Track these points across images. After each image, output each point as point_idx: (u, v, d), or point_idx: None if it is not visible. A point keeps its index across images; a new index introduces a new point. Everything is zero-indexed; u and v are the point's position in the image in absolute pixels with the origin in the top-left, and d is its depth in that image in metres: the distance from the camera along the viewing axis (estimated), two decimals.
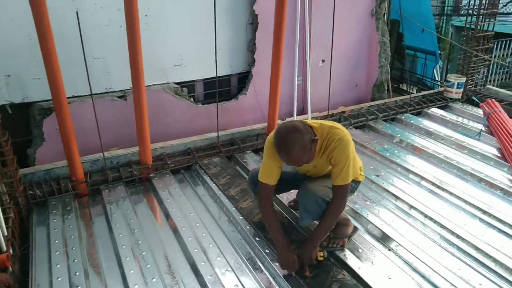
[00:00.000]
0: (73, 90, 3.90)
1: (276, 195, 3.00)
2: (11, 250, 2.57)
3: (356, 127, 4.67)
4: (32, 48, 3.62)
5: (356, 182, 2.68)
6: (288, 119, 2.43)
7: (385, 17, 5.82)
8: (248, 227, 2.90)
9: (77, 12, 2.88)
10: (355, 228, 2.80)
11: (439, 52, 7.45)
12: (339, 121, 4.69)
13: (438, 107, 5.23)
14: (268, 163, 2.46)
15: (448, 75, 5.56)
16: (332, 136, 2.31)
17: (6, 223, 2.66)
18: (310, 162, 2.37)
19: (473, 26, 5.29)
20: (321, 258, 2.49)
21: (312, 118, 4.44)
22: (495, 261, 2.63)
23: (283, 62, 3.90)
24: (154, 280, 2.42)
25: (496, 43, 9.39)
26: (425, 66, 7.47)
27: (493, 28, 5.43)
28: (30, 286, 2.41)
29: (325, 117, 4.61)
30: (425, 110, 5.12)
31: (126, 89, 4.23)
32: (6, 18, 3.53)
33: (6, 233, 2.61)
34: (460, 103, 5.40)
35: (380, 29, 5.65)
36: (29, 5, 2.71)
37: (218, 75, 3.85)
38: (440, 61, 7.52)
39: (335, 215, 2.44)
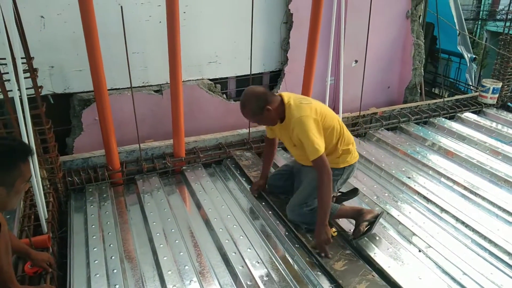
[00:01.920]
0: (112, 83, 4.04)
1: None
2: (50, 233, 2.69)
3: (387, 129, 4.64)
4: (75, 42, 3.79)
5: (340, 169, 2.76)
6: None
7: (421, 19, 5.75)
8: (277, 222, 2.94)
9: (121, 7, 2.99)
10: (376, 215, 2.77)
11: (474, 56, 7.28)
12: (370, 122, 4.68)
13: (472, 112, 5.14)
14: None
15: (484, 80, 5.44)
16: (290, 116, 2.62)
17: (46, 206, 2.78)
18: (267, 125, 2.87)
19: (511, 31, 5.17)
20: (335, 234, 2.65)
21: (343, 118, 4.44)
22: None
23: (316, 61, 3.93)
24: (186, 267, 2.49)
25: None
26: (459, 70, 7.32)
27: None
28: (69, 267, 2.52)
29: (356, 118, 4.60)
30: (458, 114, 5.04)
31: (162, 84, 4.34)
32: (53, 13, 3.70)
33: (47, 216, 2.74)
34: (495, 108, 5.29)
35: (415, 31, 5.59)
36: (77, 1, 2.83)
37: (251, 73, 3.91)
38: (474, 66, 7.36)
39: (324, 188, 2.55)
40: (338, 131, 2.73)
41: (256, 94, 2.65)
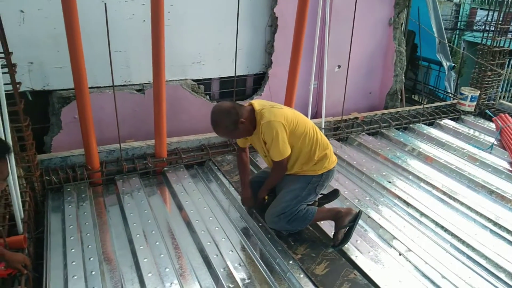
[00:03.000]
0: (93, 81, 3.96)
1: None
2: (26, 233, 2.61)
3: (369, 134, 4.69)
4: (56, 38, 3.70)
5: (319, 176, 2.76)
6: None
7: (403, 27, 5.85)
8: (260, 224, 2.93)
9: (105, 4, 2.94)
10: (357, 213, 2.79)
11: (453, 64, 7.45)
12: (352, 126, 4.73)
13: (451, 119, 5.25)
14: None
15: (462, 88, 5.57)
16: (261, 121, 2.62)
17: (22, 206, 2.71)
18: (242, 137, 2.84)
19: (489, 41, 5.30)
20: (266, 199, 2.92)
21: (325, 122, 4.47)
22: (505, 271, 2.65)
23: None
24: (167, 269, 2.45)
25: (508, 60, 9.38)
26: (439, 77, 7.48)
27: (510, 44, 5.45)
28: (45, 268, 2.44)
29: (338, 122, 4.64)
30: (437, 121, 5.14)
31: (145, 83, 4.29)
32: (34, 8, 3.60)
33: (22, 216, 2.66)
34: (473, 116, 5.42)
35: (397, 39, 5.68)
36: None
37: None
38: (453, 74, 7.52)
39: (272, 181, 2.86)
40: (312, 138, 2.72)
41: (226, 111, 2.59)
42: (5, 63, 2.59)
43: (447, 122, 5.13)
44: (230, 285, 2.35)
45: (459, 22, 14.25)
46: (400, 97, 6.11)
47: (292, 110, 2.80)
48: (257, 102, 2.73)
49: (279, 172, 2.78)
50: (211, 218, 2.99)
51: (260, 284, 2.39)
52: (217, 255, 2.60)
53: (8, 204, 2.70)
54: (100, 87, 4.08)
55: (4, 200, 2.77)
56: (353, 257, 2.64)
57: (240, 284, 2.36)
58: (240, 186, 3.08)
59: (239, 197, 3.25)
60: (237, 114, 2.58)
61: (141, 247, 2.63)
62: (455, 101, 5.73)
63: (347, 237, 2.73)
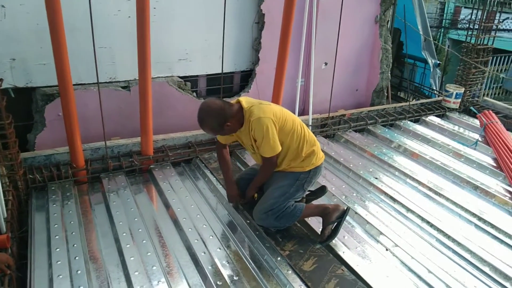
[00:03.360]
0: (77, 78, 3.90)
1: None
2: (9, 233, 2.56)
3: (355, 131, 4.72)
4: (39, 34, 3.64)
5: (306, 172, 2.76)
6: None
7: (389, 25, 5.89)
8: (248, 221, 2.92)
9: (89, 0, 2.89)
10: (345, 210, 2.80)
11: (438, 62, 7.54)
12: (338, 123, 4.74)
13: (436, 116, 5.31)
14: None
15: (447, 85, 5.63)
16: (250, 118, 2.60)
17: (5, 205, 2.65)
18: (228, 135, 2.78)
19: (473, 39, 5.37)
20: (255, 197, 2.91)
21: (312, 119, 4.48)
22: (489, 265, 2.69)
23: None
24: (154, 267, 2.43)
25: (491, 58, 9.54)
26: (424, 75, 7.56)
27: (493, 42, 5.52)
28: (29, 268, 2.40)
29: (325, 119, 4.65)
30: (423, 117, 5.20)
31: (130, 80, 4.24)
32: (15, 3, 3.53)
33: (5, 215, 2.61)
34: (458, 113, 5.49)
35: (383, 36, 5.72)
36: None
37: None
38: (438, 71, 7.61)
39: (262, 177, 2.85)
40: (300, 134, 2.72)
41: (214, 113, 2.54)
42: None
43: (433, 118, 5.19)
44: (218, 283, 2.33)
45: (444, 20, 14.43)
46: (386, 94, 6.16)
47: (280, 107, 2.80)
48: (245, 100, 2.71)
49: (269, 169, 2.77)
50: (198, 216, 2.98)
51: (248, 281, 2.39)
52: (204, 253, 2.58)
53: None
54: (84, 84, 4.03)
55: None
56: (340, 253, 2.65)
57: (228, 281, 2.35)
58: (225, 183, 3.04)
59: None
60: (224, 116, 2.56)
61: (128, 246, 2.60)
62: (440, 98, 5.80)
63: (334, 233, 2.74)
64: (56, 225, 2.76)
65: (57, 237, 2.65)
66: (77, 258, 2.47)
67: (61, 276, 2.30)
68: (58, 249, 2.53)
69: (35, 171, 3.26)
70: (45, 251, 2.55)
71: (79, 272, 2.36)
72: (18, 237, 2.74)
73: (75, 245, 2.59)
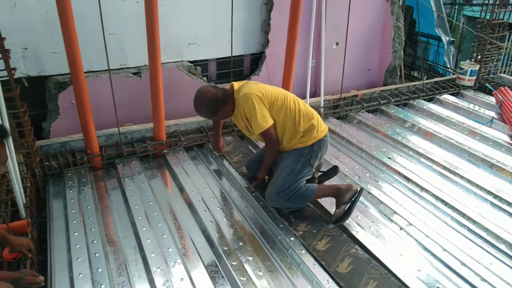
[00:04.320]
0: (88, 66, 3.93)
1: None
2: (29, 218, 2.62)
3: (368, 111, 4.68)
4: (49, 23, 3.66)
5: (309, 147, 2.75)
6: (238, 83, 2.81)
7: (400, 2, 5.77)
8: (260, 203, 2.94)
9: None
10: (358, 190, 2.79)
11: (452, 39, 7.37)
12: (351, 104, 4.70)
13: (450, 94, 5.22)
14: None
15: (462, 62, 5.51)
16: (238, 98, 2.70)
17: (24, 192, 2.72)
18: (224, 119, 3.01)
19: (488, 14, 5.23)
20: (266, 179, 2.94)
21: (324, 101, 4.44)
22: (505, 242, 2.67)
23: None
24: (170, 249, 2.47)
25: (508, 33, 9.28)
26: (438, 53, 7.41)
27: (510, 16, 5.37)
28: (49, 252, 2.47)
29: (337, 100, 4.61)
30: (437, 96, 5.12)
31: (141, 66, 4.25)
32: None
33: (25, 202, 2.67)
34: (472, 90, 5.38)
35: (395, 14, 5.61)
36: None
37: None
38: (452, 48, 7.44)
39: (268, 155, 2.86)
40: (293, 109, 2.73)
41: (206, 101, 2.68)
42: None
43: (447, 97, 5.10)
44: (233, 263, 2.37)
45: None
46: (399, 73, 6.07)
47: (271, 86, 2.84)
48: (237, 83, 2.81)
49: (272, 146, 2.79)
50: (212, 199, 3.01)
51: (263, 261, 2.42)
52: (219, 234, 2.61)
53: (10, 190, 2.71)
54: (95, 71, 4.05)
55: (5, 186, 2.78)
56: (354, 233, 2.66)
57: (243, 261, 2.38)
58: (213, 137, 3.32)
59: (240, 177, 3.26)
60: (216, 103, 2.69)
61: (144, 229, 2.65)
62: (454, 76, 5.69)
63: (347, 213, 2.74)
64: (73, 210, 2.82)
65: (74, 221, 2.70)
66: (94, 241, 2.53)
67: (79, 259, 2.36)
68: (76, 233, 2.59)
69: (51, 158, 3.32)
70: (63, 235, 2.61)
71: (97, 255, 2.41)
72: (38, 223, 2.81)
73: (92, 229, 2.64)
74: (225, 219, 2.78)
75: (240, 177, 3.27)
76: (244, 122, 2.78)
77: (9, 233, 2.29)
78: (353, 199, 2.75)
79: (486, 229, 2.79)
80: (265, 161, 2.90)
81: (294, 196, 2.69)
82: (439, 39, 7.42)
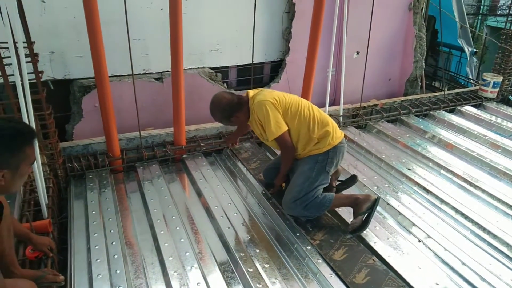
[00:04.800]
0: (112, 70, 4.00)
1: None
2: (51, 218, 2.68)
3: (388, 121, 4.64)
4: (76, 27, 3.76)
5: (325, 153, 2.74)
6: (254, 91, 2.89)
7: (423, 12, 5.73)
8: (277, 211, 2.94)
9: None
10: (373, 202, 2.75)
11: (475, 50, 7.27)
12: (370, 113, 4.68)
13: (472, 105, 5.15)
14: None
15: (484, 73, 5.44)
16: (253, 105, 2.78)
17: (46, 192, 2.78)
18: (237, 125, 3.25)
19: None
20: (283, 186, 3.01)
21: (344, 109, 4.43)
22: None
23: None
24: (187, 253, 2.49)
25: None
26: (460, 64, 7.32)
27: None
28: (69, 252, 2.52)
29: (357, 109, 4.60)
30: (458, 107, 5.05)
31: (163, 72, 4.32)
32: None
33: (47, 202, 2.73)
34: (495, 102, 5.30)
35: (417, 24, 5.57)
36: None
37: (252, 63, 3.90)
38: (475, 59, 7.34)
39: (285, 161, 2.90)
40: (308, 116, 2.75)
41: (220, 107, 2.81)
42: (28, 52, 2.64)
43: (469, 108, 5.03)
44: (249, 270, 2.37)
45: (481, 7, 13.84)
46: (420, 83, 6.01)
47: (285, 93, 2.89)
48: (253, 91, 2.89)
49: (287, 153, 2.83)
50: (229, 204, 3.03)
51: (279, 269, 2.42)
52: (236, 240, 2.63)
53: (33, 190, 2.78)
54: (119, 75, 4.13)
55: (29, 186, 2.86)
56: (371, 243, 2.64)
57: (259, 268, 2.39)
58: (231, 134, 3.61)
59: (257, 184, 3.28)
60: (231, 109, 2.81)
61: (162, 232, 2.68)
62: (477, 87, 5.61)
63: (365, 223, 2.72)
64: (94, 212, 2.87)
65: (95, 223, 2.76)
66: (114, 243, 2.57)
67: (99, 260, 2.40)
68: (96, 234, 2.64)
69: (74, 160, 3.39)
70: (84, 236, 2.66)
71: (115, 256, 2.45)
72: (59, 223, 2.87)
73: (112, 231, 2.69)
74: (242, 225, 2.79)
75: (257, 183, 3.28)
76: (259, 129, 2.84)
77: (31, 232, 2.35)
78: (370, 209, 2.73)
79: (507, 244, 2.73)
80: (281, 168, 2.95)
81: (311, 205, 2.69)
82: (461, 49, 7.33)
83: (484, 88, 5.29)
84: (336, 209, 2.94)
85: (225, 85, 4.79)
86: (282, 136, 2.71)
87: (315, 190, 2.71)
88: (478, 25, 13.34)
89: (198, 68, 4.53)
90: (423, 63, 5.89)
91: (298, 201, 2.70)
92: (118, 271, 2.34)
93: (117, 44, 3.61)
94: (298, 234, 2.70)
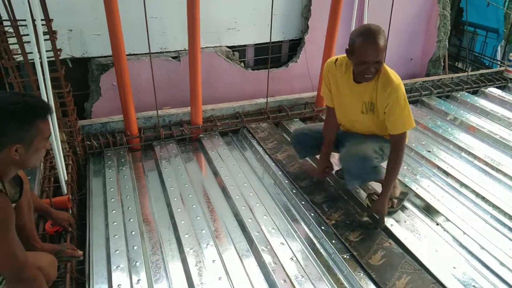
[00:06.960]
0: (130, 48, 4.00)
1: (305, 158, 3.19)
2: (70, 195, 2.74)
3: (408, 102, 4.51)
4: (93, 5, 3.74)
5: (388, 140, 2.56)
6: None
7: None
8: (294, 191, 2.93)
9: None
10: (405, 193, 2.77)
11: (503, 29, 6.99)
12: None
13: (497, 87, 4.98)
14: (323, 88, 2.73)
15: (510, 54, 5.24)
16: (387, 80, 2.34)
17: (66, 169, 2.82)
18: (379, 69, 2.34)
19: None
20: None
21: None
22: None
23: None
24: (203, 231, 2.52)
25: None
26: (485, 44, 7.06)
27: None
28: (88, 228, 2.57)
29: None
30: (482, 89, 4.89)
31: (180, 50, 4.29)
32: None
33: (66, 178, 2.78)
34: None
35: (441, 2, 5.38)
36: None
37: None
38: (502, 40, 7.07)
39: (398, 165, 2.47)
40: None
41: (384, 34, 2.30)
42: (46, 30, 2.65)
43: (493, 90, 4.87)
44: (264, 248, 2.39)
45: None
46: (442, 64, 5.84)
47: None
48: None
49: (402, 153, 2.46)
50: (245, 184, 3.03)
51: (293, 248, 2.42)
52: (251, 219, 2.64)
53: (53, 167, 2.83)
54: (137, 54, 4.13)
55: (49, 163, 2.91)
56: (388, 225, 2.61)
57: (275, 247, 2.40)
58: (320, 156, 2.90)
59: (273, 164, 3.26)
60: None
61: (179, 210, 2.70)
62: (502, 68, 5.42)
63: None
64: (112, 189, 2.91)
65: (113, 200, 2.80)
66: (131, 220, 2.61)
67: (116, 236, 2.45)
68: (114, 211, 2.68)
69: (92, 138, 3.43)
70: (102, 212, 2.71)
71: (133, 233, 2.49)
72: (78, 199, 2.92)
73: (129, 208, 2.73)
74: (257, 204, 2.80)
75: (273, 164, 3.27)
76: (360, 105, 2.47)
77: (51, 207, 2.39)
78: (401, 199, 2.70)
79: None
80: (388, 177, 2.48)
81: (373, 168, 2.52)
82: (487, 29, 7.07)
83: (510, 69, 5.11)
84: (353, 192, 2.92)
85: (242, 64, 4.74)
86: (406, 134, 2.42)
87: (379, 158, 2.56)
88: (507, 3, 12.84)
89: (215, 46, 4.49)
90: (447, 43, 5.72)
91: (368, 159, 2.48)
92: (135, 247, 2.38)
93: (134, 22, 3.59)
94: (313, 214, 2.69)
